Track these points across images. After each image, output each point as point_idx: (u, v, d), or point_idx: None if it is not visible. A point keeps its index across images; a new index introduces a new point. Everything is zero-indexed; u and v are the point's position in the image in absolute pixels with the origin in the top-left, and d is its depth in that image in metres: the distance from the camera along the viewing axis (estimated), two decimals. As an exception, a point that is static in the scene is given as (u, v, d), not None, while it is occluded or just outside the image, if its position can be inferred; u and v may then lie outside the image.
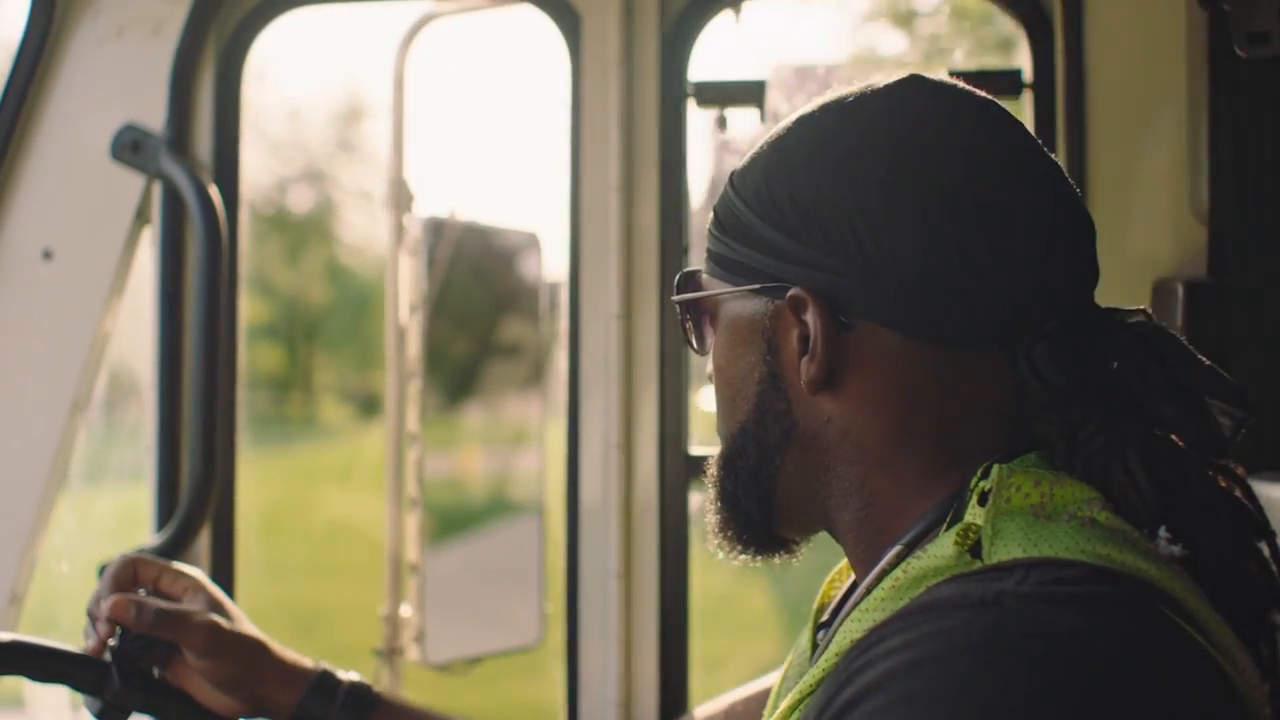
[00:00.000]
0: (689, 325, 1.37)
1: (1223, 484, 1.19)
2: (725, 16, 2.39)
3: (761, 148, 1.29)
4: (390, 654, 2.75)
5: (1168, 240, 2.15)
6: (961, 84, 1.26)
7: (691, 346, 1.38)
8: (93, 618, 1.71)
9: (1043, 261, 1.19)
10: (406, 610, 2.78)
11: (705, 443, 2.39)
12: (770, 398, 1.25)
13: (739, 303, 1.28)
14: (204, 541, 2.37)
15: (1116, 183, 2.18)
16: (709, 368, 1.37)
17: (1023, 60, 2.29)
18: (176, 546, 2.29)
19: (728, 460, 1.31)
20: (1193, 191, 2.13)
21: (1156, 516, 1.15)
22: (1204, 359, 1.19)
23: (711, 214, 1.32)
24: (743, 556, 1.34)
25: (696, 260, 1.38)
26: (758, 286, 1.24)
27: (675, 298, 1.36)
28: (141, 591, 1.72)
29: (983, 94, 1.26)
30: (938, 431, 1.20)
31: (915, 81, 1.25)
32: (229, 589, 2.40)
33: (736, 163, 1.32)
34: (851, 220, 1.18)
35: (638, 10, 2.35)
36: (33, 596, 2.35)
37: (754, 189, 1.26)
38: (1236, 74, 2.05)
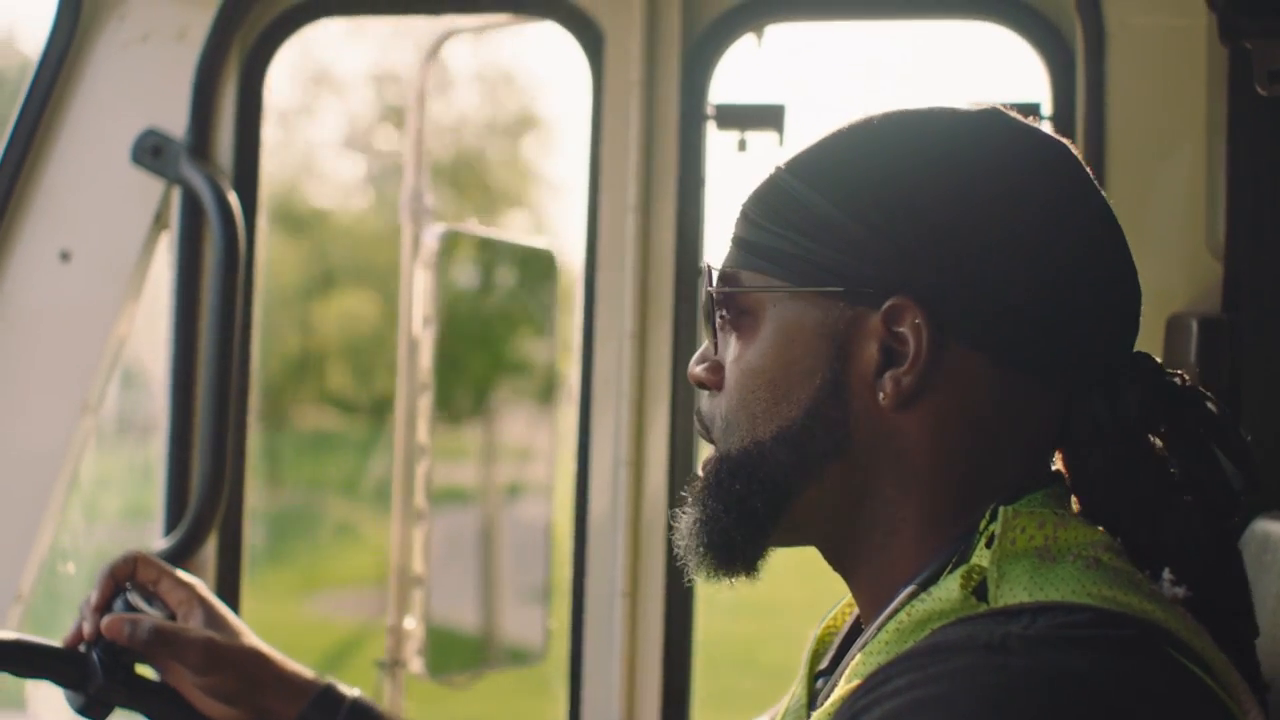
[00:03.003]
0: (721, 321, 1.28)
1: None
2: (747, 39, 2.40)
3: (841, 143, 1.24)
4: (393, 666, 2.75)
5: (1183, 276, 2.15)
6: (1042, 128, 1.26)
7: (714, 344, 1.29)
8: (84, 614, 1.69)
9: (1119, 305, 1.21)
10: (410, 623, 2.78)
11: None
12: (827, 406, 1.20)
13: (801, 302, 1.21)
14: (211, 546, 2.37)
15: (1133, 217, 2.16)
16: (697, 365, 1.30)
17: (1042, 93, 2.29)
18: (184, 550, 2.30)
19: (739, 465, 1.23)
20: (1209, 228, 2.13)
21: (1170, 564, 1.16)
22: (1238, 431, 1.21)
23: (756, 204, 1.26)
24: (710, 568, 1.26)
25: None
26: (840, 289, 1.19)
27: (720, 289, 1.27)
28: (135, 595, 1.70)
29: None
30: (982, 465, 1.19)
31: (1001, 112, 1.24)
32: (235, 594, 2.40)
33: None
34: (969, 236, 1.16)
35: (660, 30, 2.36)
36: (36, 596, 2.36)
37: (843, 185, 1.20)
38: (1256, 112, 2.04)
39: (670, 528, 2.31)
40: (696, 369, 1.30)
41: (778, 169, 1.26)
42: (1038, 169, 1.21)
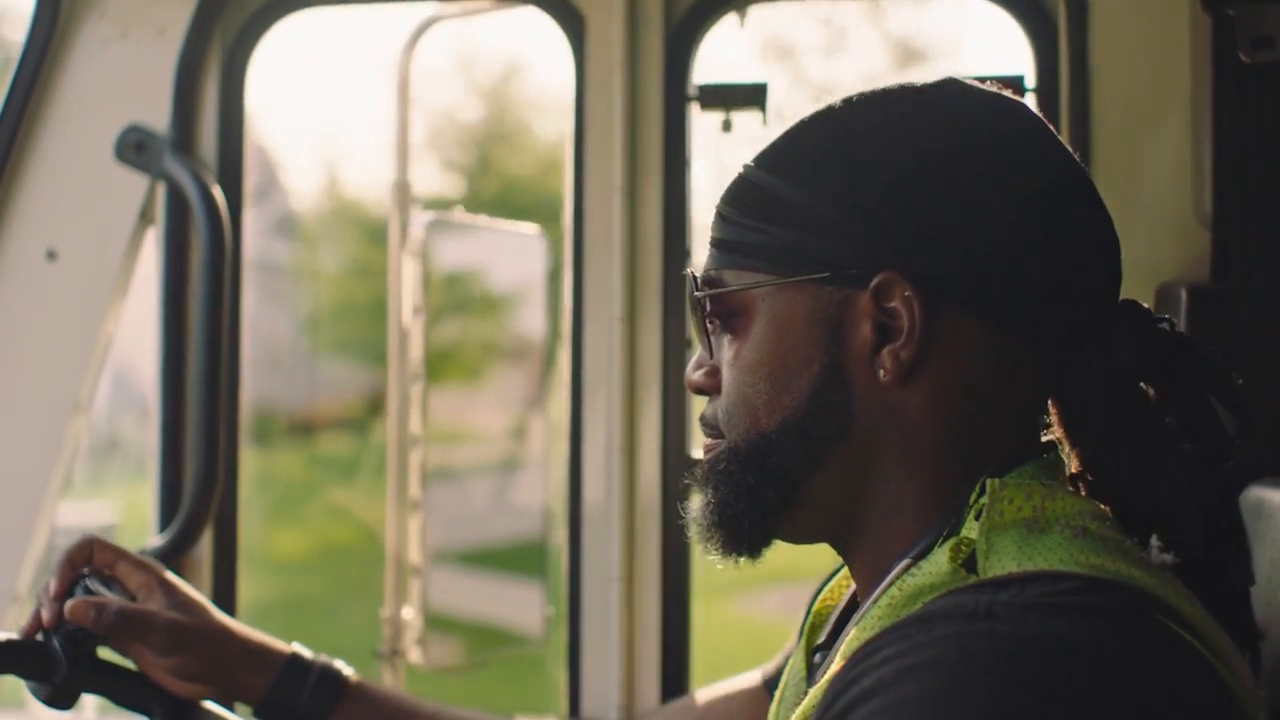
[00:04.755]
0: (713, 324, 1.28)
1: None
2: (729, 19, 2.39)
3: (805, 132, 1.25)
4: (392, 656, 2.75)
5: (1171, 245, 2.15)
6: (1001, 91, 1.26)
7: (708, 348, 1.30)
8: (41, 601, 1.67)
9: (1102, 262, 1.22)
10: (408, 612, 2.78)
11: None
12: (829, 391, 1.20)
13: (788, 293, 1.22)
14: (206, 542, 2.37)
15: (1120, 187, 2.18)
16: (694, 372, 1.30)
17: (1025, 65, 2.29)
18: (179, 547, 2.30)
19: (749, 457, 1.24)
20: (1196, 196, 2.13)
21: (1170, 518, 1.17)
22: (1226, 369, 1.22)
23: (730, 203, 1.26)
24: (727, 554, 1.28)
25: (697, 261, 1.32)
26: (825, 274, 1.19)
27: (708, 292, 1.27)
28: (94, 580, 1.69)
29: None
30: (979, 433, 1.20)
31: (958, 82, 1.25)
32: (231, 589, 2.40)
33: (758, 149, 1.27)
34: (946, 205, 1.17)
35: (642, 13, 2.35)
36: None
37: (814, 172, 1.21)
38: (1241, 79, 2.05)
39: (664, 512, 2.34)
40: (694, 375, 1.31)
41: (746, 166, 1.27)
42: (1000, 130, 1.21)
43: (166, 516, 2.35)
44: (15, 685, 2.08)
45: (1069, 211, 1.20)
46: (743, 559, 1.28)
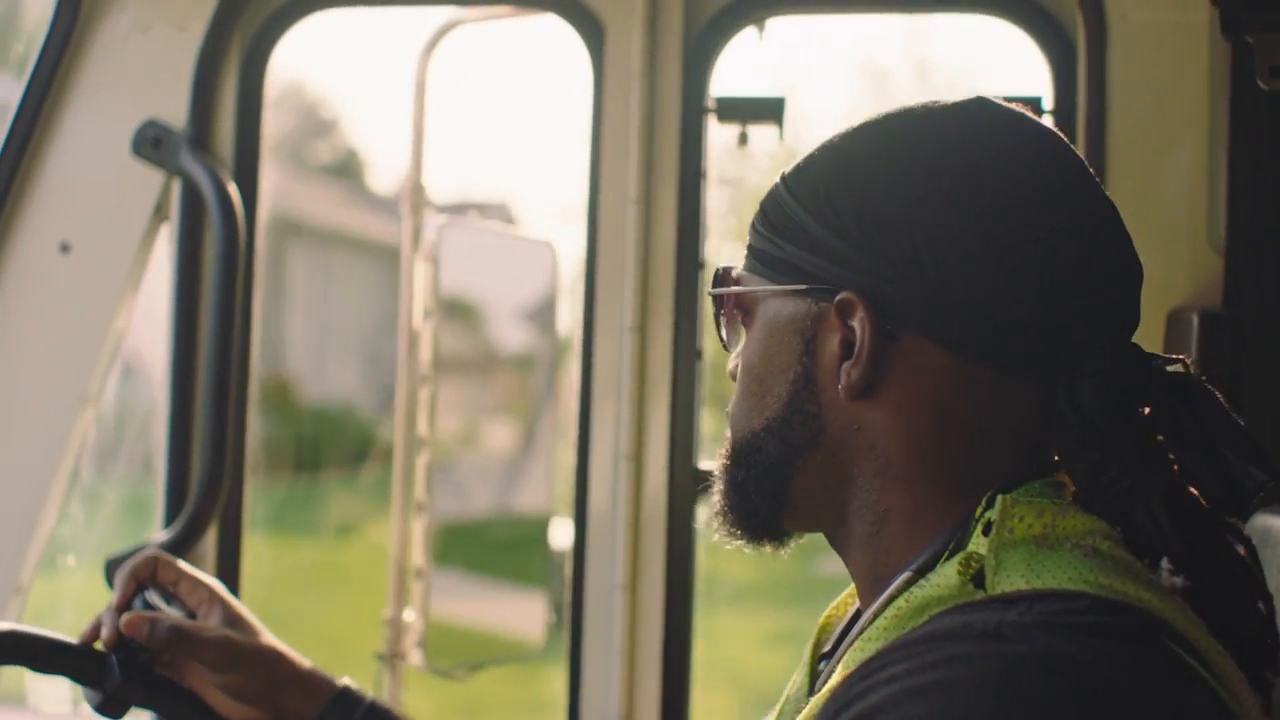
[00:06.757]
0: (722, 320, 1.36)
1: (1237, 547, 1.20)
2: (749, 32, 2.39)
3: (821, 149, 1.28)
4: (392, 659, 2.75)
5: (1184, 271, 2.15)
6: (1027, 112, 1.25)
7: (722, 342, 1.37)
8: (104, 614, 1.69)
9: (1096, 299, 1.19)
10: (410, 615, 2.78)
11: (715, 457, 2.39)
12: (802, 399, 1.24)
13: (779, 301, 1.26)
14: (211, 539, 2.38)
15: (1134, 211, 2.15)
16: (730, 364, 1.36)
17: (1043, 87, 2.29)
18: (184, 543, 2.30)
19: (740, 454, 1.30)
20: (1210, 222, 2.13)
21: (1164, 554, 1.16)
22: (1238, 418, 1.20)
23: (759, 210, 1.31)
24: (738, 542, 1.33)
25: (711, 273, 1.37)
26: (803, 287, 1.24)
27: (712, 290, 1.35)
28: (154, 594, 1.71)
29: (1047, 125, 1.26)
30: (962, 454, 1.20)
31: (983, 104, 1.25)
32: (234, 587, 2.40)
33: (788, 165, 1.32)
34: (914, 232, 1.17)
35: (662, 23, 2.36)
36: (37, 590, 2.36)
37: (810, 190, 1.24)
38: (1258, 106, 2.04)
39: (670, 521, 2.34)
40: (730, 364, 1.37)
41: (780, 177, 1.30)
42: (1004, 163, 1.20)
43: (173, 511, 2.35)
44: (17, 679, 2.09)
45: (1059, 254, 1.18)
46: (763, 548, 1.33)
